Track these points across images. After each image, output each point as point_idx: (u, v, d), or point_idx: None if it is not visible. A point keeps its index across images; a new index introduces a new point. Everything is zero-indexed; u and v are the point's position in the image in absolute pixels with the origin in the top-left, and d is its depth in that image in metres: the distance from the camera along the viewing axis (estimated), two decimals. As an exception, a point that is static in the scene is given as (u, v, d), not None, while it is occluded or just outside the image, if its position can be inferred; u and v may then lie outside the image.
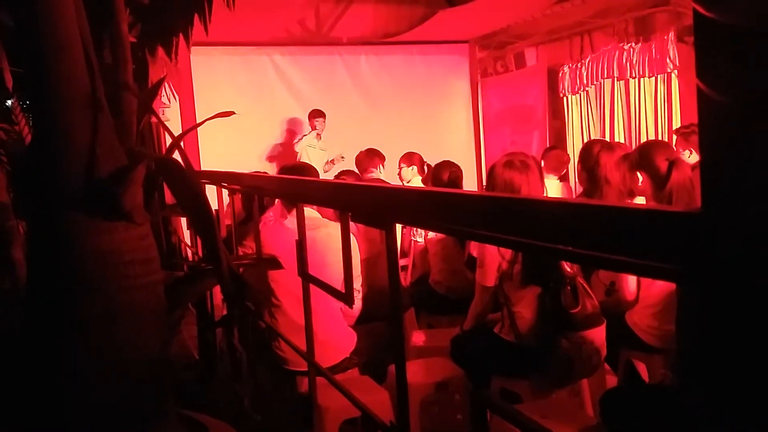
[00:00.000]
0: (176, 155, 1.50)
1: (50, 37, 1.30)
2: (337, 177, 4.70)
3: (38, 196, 1.39)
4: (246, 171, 3.97)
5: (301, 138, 7.54)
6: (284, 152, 7.88)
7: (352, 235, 2.97)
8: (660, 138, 6.02)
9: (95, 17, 1.51)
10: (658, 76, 6.17)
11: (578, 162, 3.93)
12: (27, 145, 1.99)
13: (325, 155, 7.54)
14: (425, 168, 5.51)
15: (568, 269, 2.64)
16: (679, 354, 2.15)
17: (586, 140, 7.09)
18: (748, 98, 0.60)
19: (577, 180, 4.83)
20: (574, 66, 7.21)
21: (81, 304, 1.37)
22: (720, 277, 0.64)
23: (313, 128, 7.44)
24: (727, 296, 0.65)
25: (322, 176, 6.87)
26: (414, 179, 5.49)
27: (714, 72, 0.62)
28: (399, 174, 5.58)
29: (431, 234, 4.02)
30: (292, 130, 7.97)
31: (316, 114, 7.43)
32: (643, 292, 2.85)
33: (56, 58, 1.31)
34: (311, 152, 7.40)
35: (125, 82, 1.52)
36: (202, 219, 1.35)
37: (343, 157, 7.32)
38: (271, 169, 7.54)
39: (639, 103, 6.43)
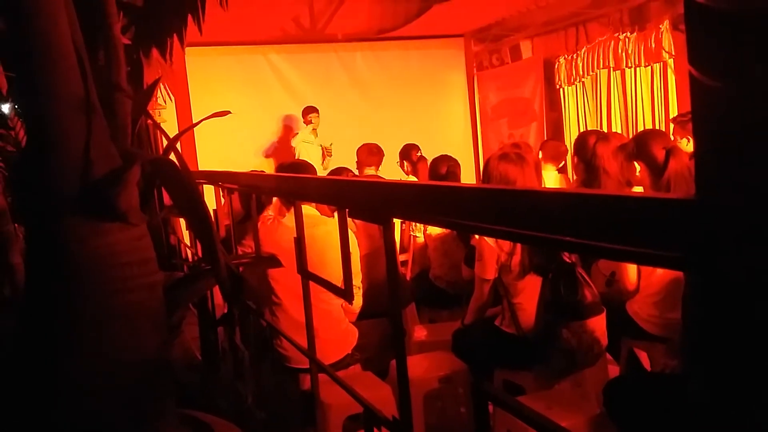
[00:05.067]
0: (172, 156, 1.50)
1: (41, 40, 1.30)
2: (331, 173, 4.69)
3: (34, 200, 1.39)
4: (244, 170, 3.97)
5: (296, 133, 7.52)
6: (282, 150, 7.87)
7: (351, 232, 2.97)
8: (657, 127, 6.02)
9: (88, 20, 1.50)
10: (654, 65, 6.17)
11: (573, 153, 3.93)
12: (22, 149, 1.99)
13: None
14: (414, 158, 5.54)
15: (567, 259, 2.64)
16: (684, 341, 2.15)
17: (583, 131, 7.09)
18: (740, 83, 0.60)
19: (573, 171, 4.83)
20: (569, 57, 7.21)
21: (78, 306, 1.37)
22: (716, 262, 0.64)
23: (308, 124, 7.41)
24: (723, 282, 0.65)
25: (321, 173, 6.87)
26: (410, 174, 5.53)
27: (706, 57, 0.62)
28: (401, 167, 5.63)
29: (430, 229, 4.03)
30: (289, 128, 7.96)
31: (310, 110, 7.41)
32: (644, 281, 2.85)
33: (47, 61, 1.31)
34: (308, 148, 7.38)
35: (118, 84, 1.51)
36: (199, 219, 1.35)
37: (329, 150, 7.27)
38: (270, 168, 7.53)
39: (635, 93, 6.43)
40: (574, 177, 4.71)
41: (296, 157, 7.04)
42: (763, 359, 0.63)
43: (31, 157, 1.42)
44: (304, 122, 7.47)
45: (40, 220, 1.40)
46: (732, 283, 0.63)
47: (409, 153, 5.63)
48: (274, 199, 3.30)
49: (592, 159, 3.57)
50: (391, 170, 5.95)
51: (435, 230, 3.95)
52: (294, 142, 7.44)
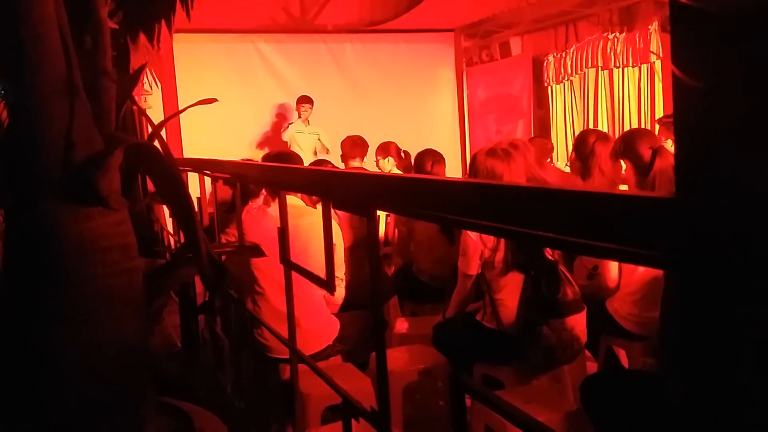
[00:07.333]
0: (156, 143, 1.49)
1: (26, 22, 1.28)
2: (312, 165, 4.65)
3: (15, 183, 1.38)
4: (230, 159, 3.94)
5: (287, 126, 7.47)
6: (269, 140, 7.83)
7: (335, 224, 2.97)
8: (642, 127, 6.06)
9: (75, 4, 1.49)
10: (642, 65, 6.21)
11: (572, 151, 3.98)
12: (4, 131, 1.97)
13: (315, 139, 7.47)
14: (402, 155, 5.50)
15: (550, 256, 2.66)
16: (661, 339, 2.18)
17: (570, 130, 7.15)
18: (722, 84, 0.60)
19: (569, 168, 4.85)
20: (558, 55, 7.23)
21: (57, 291, 1.36)
22: (696, 260, 0.64)
23: (300, 114, 7.38)
24: (702, 280, 0.65)
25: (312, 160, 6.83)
26: (393, 170, 5.48)
27: (689, 57, 0.63)
28: (377, 165, 5.57)
29: (415, 223, 4.03)
30: (277, 118, 7.92)
31: (303, 100, 7.37)
32: (624, 279, 2.87)
33: (32, 43, 1.29)
34: (300, 138, 7.34)
35: (104, 68, 1.50)
36: (181, 206, 1.34)
37: (326, 147, 7.29)
38: (257, 157, 7.49)
39: (622, 93, 6.47)
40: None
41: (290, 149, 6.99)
42: (740, 358, 0.64)
43: (12, 138, 1.40)
44: (297, 112, 7.43)
45: (21, 202, 1.39)
46: (711, 282, 0.64)
47: (388, 149, 5.57)
48: (263, 191, 3.28)
49: (590, 157, 3.62)
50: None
51: (420, 224, 3.95)
52: (286, 136, 7.36)
